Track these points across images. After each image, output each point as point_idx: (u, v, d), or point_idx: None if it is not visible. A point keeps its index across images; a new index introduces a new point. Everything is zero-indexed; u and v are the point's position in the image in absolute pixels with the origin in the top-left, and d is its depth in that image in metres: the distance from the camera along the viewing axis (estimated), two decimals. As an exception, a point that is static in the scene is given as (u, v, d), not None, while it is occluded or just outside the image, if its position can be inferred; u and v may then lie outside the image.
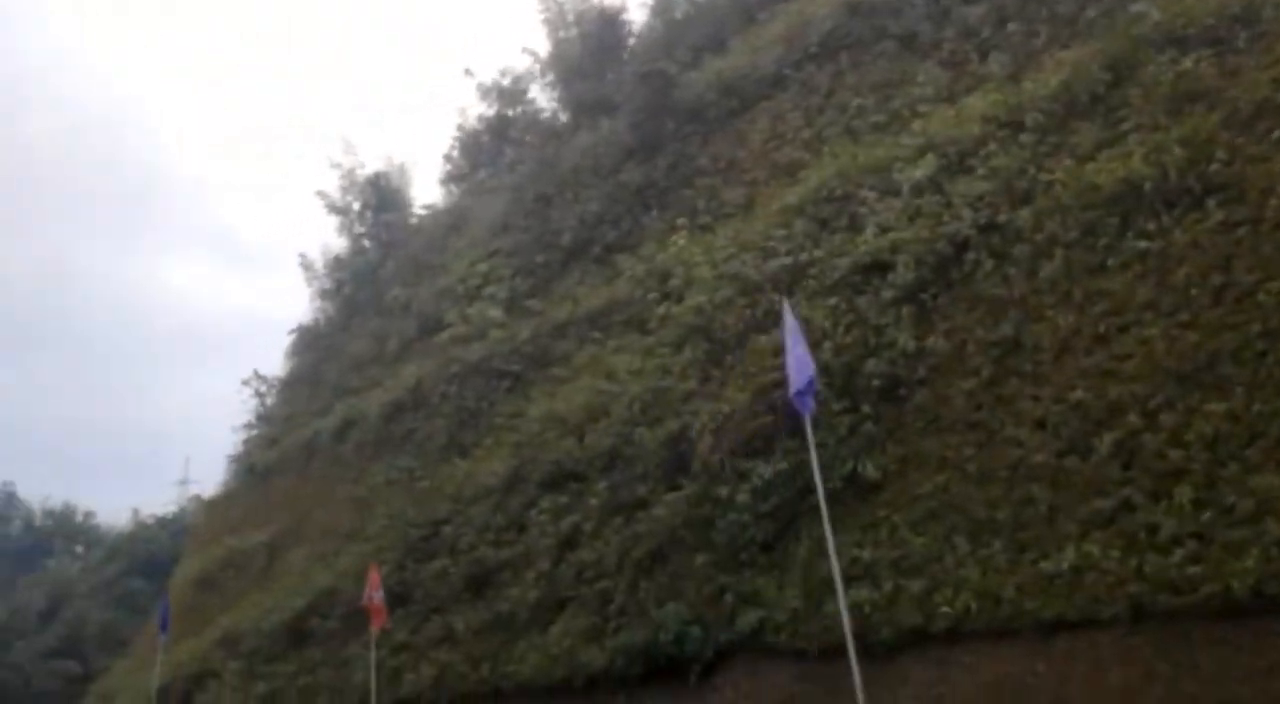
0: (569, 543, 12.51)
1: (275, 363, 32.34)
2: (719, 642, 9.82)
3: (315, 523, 24.47)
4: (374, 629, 13.80)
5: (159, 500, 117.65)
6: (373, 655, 13.89)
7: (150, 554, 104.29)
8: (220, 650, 20.84)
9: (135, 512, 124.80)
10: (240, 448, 33.83)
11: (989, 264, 10.01)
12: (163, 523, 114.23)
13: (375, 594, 13.78)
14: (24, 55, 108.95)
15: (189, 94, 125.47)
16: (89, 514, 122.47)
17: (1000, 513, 8.32)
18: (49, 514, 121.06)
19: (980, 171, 10.89)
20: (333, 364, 26.75)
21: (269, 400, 31.65)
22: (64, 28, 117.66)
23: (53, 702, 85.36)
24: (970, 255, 10.25)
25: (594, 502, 12.39)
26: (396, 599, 15.22)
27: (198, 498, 61.99)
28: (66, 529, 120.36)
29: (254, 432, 32.03)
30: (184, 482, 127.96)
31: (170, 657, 30.56)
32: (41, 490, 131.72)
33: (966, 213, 10.50)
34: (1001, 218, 10.22)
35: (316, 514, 23.74)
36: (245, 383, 30.93)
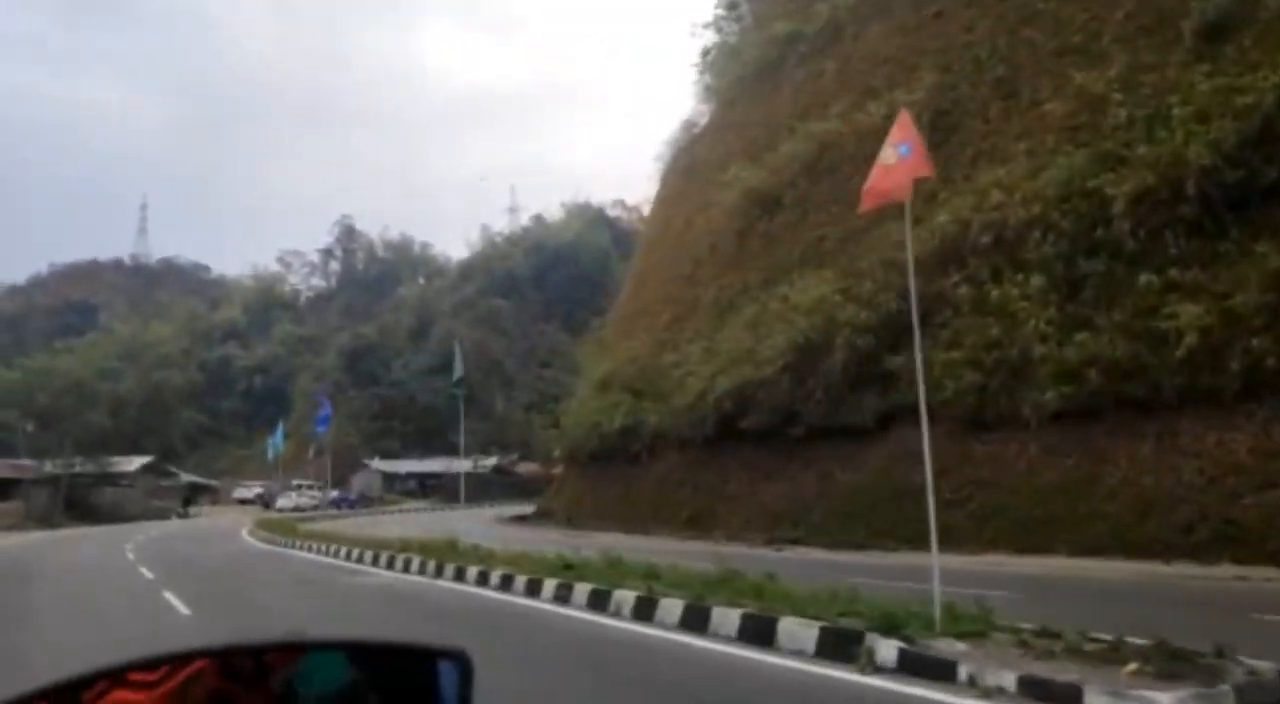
0: None
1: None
2: None
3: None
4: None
5: (483, 236, 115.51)
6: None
7: (507, 272, 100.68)
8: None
9: (484, 228, 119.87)
10: (701, 61, 23.63)
11: None
12: (513, 241, 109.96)
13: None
14: None
15: None
16: (425, 245, 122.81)
17: None
18: (389, 246, 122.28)
19: None
20: None
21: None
22: None
23: (439, 416, 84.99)
24: None
25: None
26: None
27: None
28: (407, 259, 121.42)
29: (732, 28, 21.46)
30: (514, 209, 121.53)
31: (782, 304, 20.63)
32: (378, 224, 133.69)
33: None
34: None
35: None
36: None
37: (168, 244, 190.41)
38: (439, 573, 14.36)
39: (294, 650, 0.94)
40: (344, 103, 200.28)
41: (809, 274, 25.42)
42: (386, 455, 79.22)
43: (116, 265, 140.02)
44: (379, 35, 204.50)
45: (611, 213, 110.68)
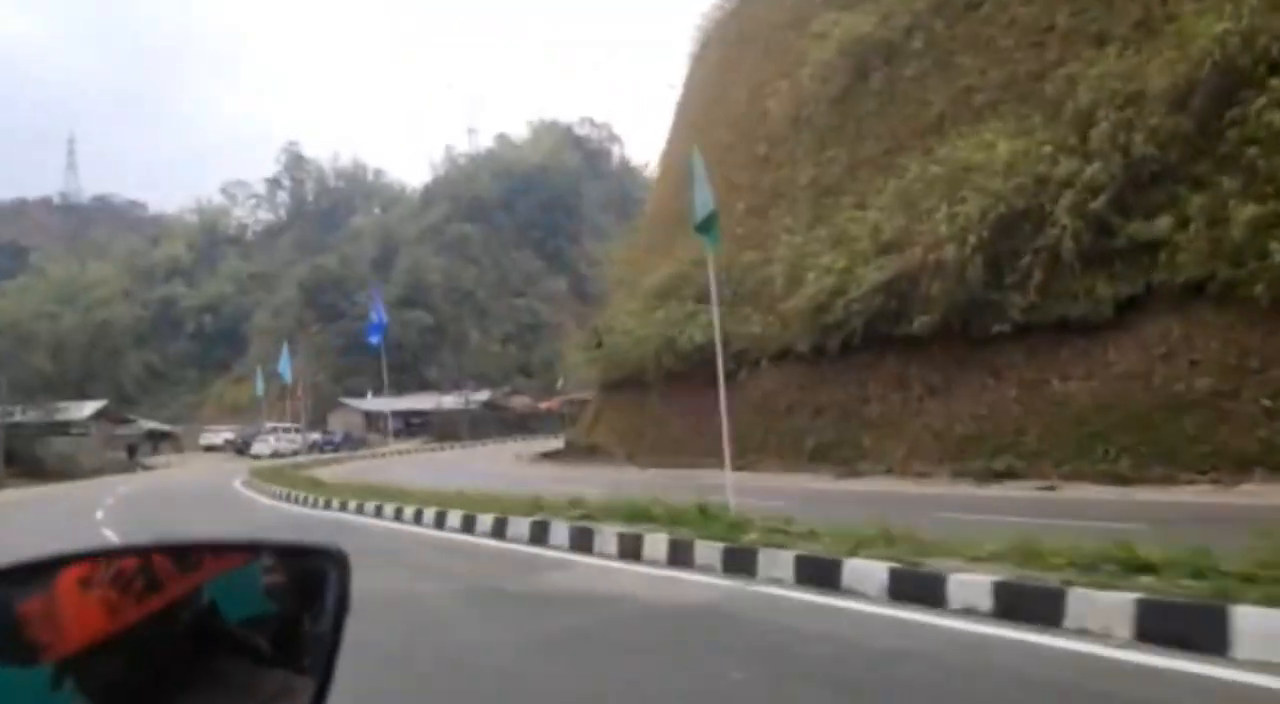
0: None
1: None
2: None
3: None
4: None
5: (446, 157, 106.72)
6: None
7: (474, 196, 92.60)
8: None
9: (448, 149, 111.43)
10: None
11: None
12: (478, 163, 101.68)
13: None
14: None
15: None
16: (379, 172, 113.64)
17: None
18: (340, 174, 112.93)
19: None
20: None
21: None
22: None
23: (411, 351, 77.94)
24: None
25: None
26: None
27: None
28: (361, 187, 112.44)
29: None
30: (473, 130, 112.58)
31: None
32: (326, 151, 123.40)
33: None
34: None
35: None
36: None
37: (100, 182, 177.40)
38: (675, 559, 8.14)
39: (217, 553, 0.89)
40: (279, 23, 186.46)
41: (959, 136, 19.48)
42: (354, 394, 72.42)
43: (45, 204, 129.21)
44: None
45: (580, 131, 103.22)
